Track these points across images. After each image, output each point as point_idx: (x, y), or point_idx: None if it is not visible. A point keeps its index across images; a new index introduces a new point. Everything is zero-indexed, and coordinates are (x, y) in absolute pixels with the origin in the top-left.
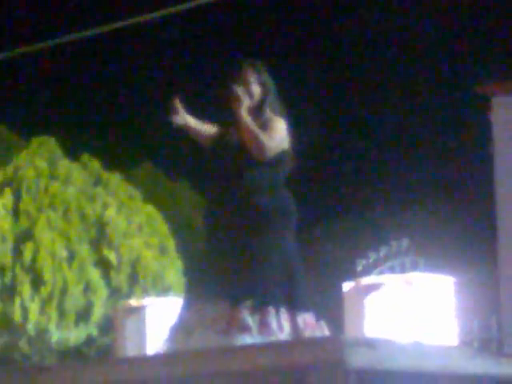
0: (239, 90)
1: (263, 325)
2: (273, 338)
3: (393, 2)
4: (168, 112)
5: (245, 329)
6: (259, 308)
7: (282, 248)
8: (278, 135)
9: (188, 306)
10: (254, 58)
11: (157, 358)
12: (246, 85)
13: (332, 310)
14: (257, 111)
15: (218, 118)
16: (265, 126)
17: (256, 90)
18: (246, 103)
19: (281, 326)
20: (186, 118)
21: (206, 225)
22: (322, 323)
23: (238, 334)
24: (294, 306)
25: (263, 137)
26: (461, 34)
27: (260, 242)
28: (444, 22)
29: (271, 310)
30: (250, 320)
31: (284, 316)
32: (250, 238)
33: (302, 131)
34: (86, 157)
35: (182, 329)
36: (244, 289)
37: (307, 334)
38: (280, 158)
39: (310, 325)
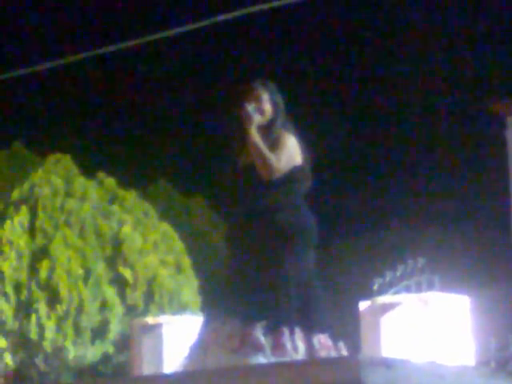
0: (251, 109)
1: (277, 345)
2: (287, 359)
3: (405, 21)
4: None
5: (258, 348)
6: (273, 328)
7: (300, 268)
8: (287, 153)
9: (206, 324)
10: (265, 76)
11: (173, 377)
12: (259, 102)
13: (348, 328)
14: (268, 129)
15: (236, 138)
16: (274, 143)
17: (268, 107)
18: (256, 122)
19: (295, 346)
20: None
21: (227, 244)
22: (341, 344)
23: (251, 353)
24: (309, 326)
25: (271, 157)
26: (476, 52)
27: (278, 261)
28: (459, 42)
29: (285, 330)
30: (264, 340)
31: (299, 336)
32: (267, 257)
33: (317, 149)
34: (101, 174)
35: (199, 347)
36: (258, 308)
37: (322, 354)
38: (294, 174)
39: (326, 345)
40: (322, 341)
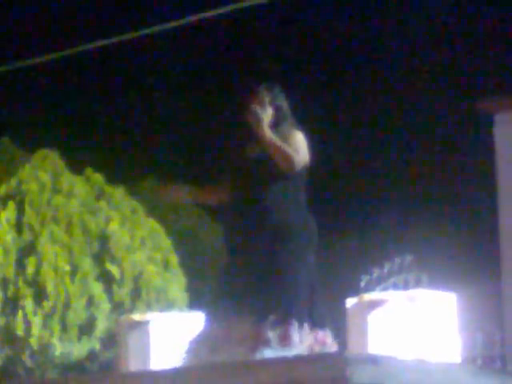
0: (258, 110)
1: (284, 337)
2: (294, 351)
3: (393, 17)
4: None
5: (265, 342)
6: (282, 322)
7: (304, 265)
8: (302, 147)
9: (212, 321)
10: (268, 78)
11: (159, 373)
12: (261, 106)
13: (335, 325)
14: (271, 130)
15: (235, 139)
16: (284, 141)
17: (269, 111)
18: (266, 121)
19: (302, 339)
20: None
21: (227, 241)
22: (335, 342)
23: (260, 347)
24: (313, 321)
25: (290, 150)
26: (463, 49)
27: (283, 258)
28: (446, 39)
29: (294, 323)
30: (271, 333)
31: (306, 331)
32: (272, 254)
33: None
34: (89, 170)
35: (205, 343)
36: (269, 304)
37: (317, 350)
38: (302, 172)
39: (321, 342)
40: (319, 336)
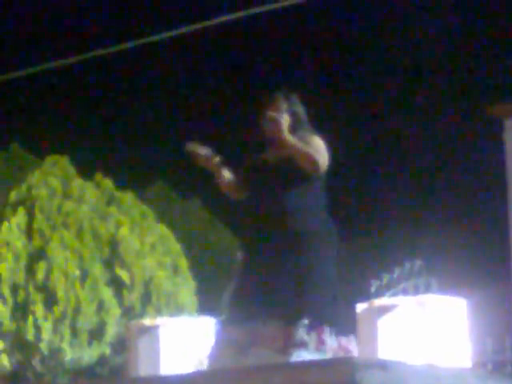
0: (275, 115)
1: (320, 341)
2: (328, 355)
3: (404, 23)
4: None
5: (301, 344)
6: (317, 326)
7: (328, 270)
8: (323, 150)
9: (237, 324)
10: (284, 85)
11: (170, 379)
12: (277, 112)
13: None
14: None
15: (249, 144)
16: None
17: (286, 118)
18: (286, 125)
19: (333, 344)
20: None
21: (247, 245)
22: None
23: (294, 350)
24: (338, 327)
25: (313, 151)
26: (473, 54)
27: (308, 263)
28: (456, 44)
29: (326, 328)
30: (307, 337)
31: (333, 336)
32: (297, 259)
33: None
34: (99, 176)
35: (230, 347)
36: (300, 308)
37: (341, 356)
38: (322, 176)
39: (344, 348)
40: (343, 342)
